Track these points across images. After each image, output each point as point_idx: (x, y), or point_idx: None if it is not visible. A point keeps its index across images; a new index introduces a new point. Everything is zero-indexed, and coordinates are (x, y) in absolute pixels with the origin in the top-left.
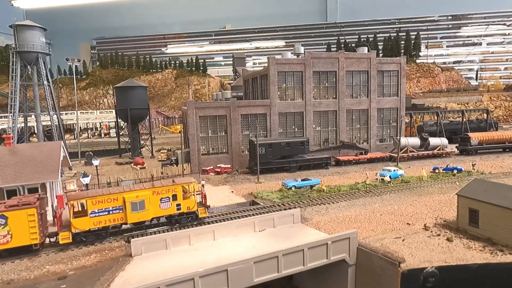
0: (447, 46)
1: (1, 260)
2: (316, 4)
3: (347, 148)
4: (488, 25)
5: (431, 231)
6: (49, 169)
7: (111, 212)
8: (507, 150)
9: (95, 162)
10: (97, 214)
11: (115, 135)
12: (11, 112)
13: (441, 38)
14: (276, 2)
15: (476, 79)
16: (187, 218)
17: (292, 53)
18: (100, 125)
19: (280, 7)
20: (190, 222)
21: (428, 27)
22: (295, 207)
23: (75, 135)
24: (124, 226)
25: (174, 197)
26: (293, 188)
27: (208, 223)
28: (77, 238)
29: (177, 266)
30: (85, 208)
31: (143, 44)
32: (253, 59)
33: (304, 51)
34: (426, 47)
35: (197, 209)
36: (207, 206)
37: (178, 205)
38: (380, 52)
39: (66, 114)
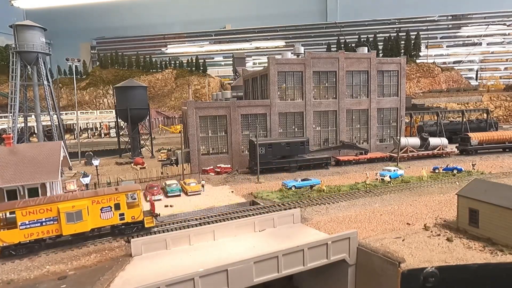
0: (447, 46)
1: (1, 260)
2: (316, 4)
3: (347, 148)
4: (488, 25)
5: (431, 231)
6: (49, 169)
7: (44, 223)
8: (507, 150)
9: (95, 162)
10: (28, 226)
11: (115, 135)
12: (11, 112)
13: (441, 38)
14: (276, 2)
15: (476, 79)
16: (132, 228)
17: (292, 53)
18: (100, 125)
19: (280, 7)
20: (136, 232)
21: (428, 27)
22: (295, 207)
23: (75, 135)
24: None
25: (117, 206)
26: (293, 188)
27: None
28: (6, 252)
29: (177, 266)
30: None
31: (143, 44)
32: (253, 59)
33: (304, 51)
34: (426, 47)
35: (144, 219)
36: (155, 215)
37: (122, 214)
38: (380, 52)
39: (66, 114)
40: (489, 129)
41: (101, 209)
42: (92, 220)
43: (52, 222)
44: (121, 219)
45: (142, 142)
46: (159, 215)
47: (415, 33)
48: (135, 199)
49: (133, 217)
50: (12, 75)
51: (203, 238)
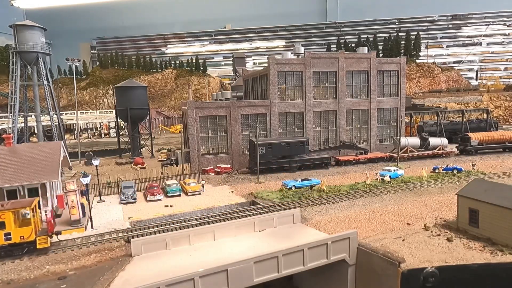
0: (447, 46)
1: (1, 260)
2: (316, 4)
3: (347, 148)
4: (488, 25)
5: (431, 231)
6: (49, 169)
7: None
8: (507, 150)
9: (95, 162)
10: None
11: (115, 135)
12: (11, 112)
13: (441, 38)
14: (276, 2)
15: (476, 79)
16: (22, 249)
17: (292, 53)
18: (100, 125)
19: (280, 7)
20: (27, 254)
21: (428, 27)
22: (295, 207)
23: (75, 135)
24: None
25: (1, 225)
26: (293, 188)
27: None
28: None
29: (177, 266)
30: None
31: (143, 44)
32: (253, 59)
33: (304, 51)
34: (426, 47)
35: (36, 239)
36: (52, 233)
37: (8, 234)
38: (380, 52)
39: (66, 114)
40: (489, 129)
41: None
42: None
43: None
44: (6, 239)
45: (142, 142)
46: (59, 233)
47: (415, 33)
48: (27, 216)
49: (22, 237)
50: (12, 75)
51: (203, 238)
